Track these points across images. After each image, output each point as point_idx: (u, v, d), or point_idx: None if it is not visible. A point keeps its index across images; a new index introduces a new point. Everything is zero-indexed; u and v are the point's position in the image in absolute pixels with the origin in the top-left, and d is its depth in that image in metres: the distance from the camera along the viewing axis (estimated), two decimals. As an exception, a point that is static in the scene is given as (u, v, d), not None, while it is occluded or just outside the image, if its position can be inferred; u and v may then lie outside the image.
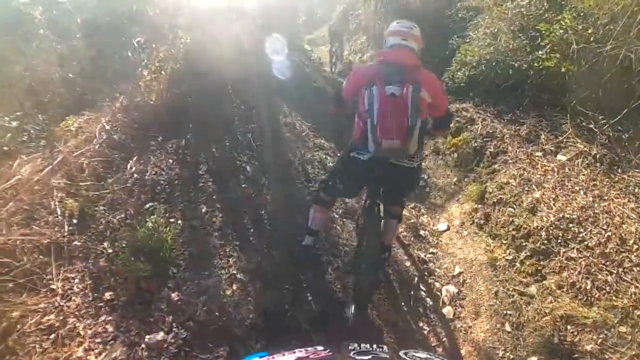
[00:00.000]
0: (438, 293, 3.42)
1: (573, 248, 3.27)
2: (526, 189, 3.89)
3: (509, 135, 4.62)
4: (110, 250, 2.61)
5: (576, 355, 2.70)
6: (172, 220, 2.88)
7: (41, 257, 2.53)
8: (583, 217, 3.43)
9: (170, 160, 3.38)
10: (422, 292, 3.37)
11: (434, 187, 4.91)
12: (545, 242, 3.39)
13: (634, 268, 3.03)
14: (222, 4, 5.20)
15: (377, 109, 2.25)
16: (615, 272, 3.03)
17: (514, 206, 3.84)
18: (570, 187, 3.75)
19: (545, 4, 5.01)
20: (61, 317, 2.25)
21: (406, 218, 3.99)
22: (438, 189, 4.85)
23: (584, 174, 3.85)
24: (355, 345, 0.88)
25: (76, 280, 2.48)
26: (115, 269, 2.51)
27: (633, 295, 2.86)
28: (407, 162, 2.47)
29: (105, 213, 2.89)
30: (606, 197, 3.58)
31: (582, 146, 4.11)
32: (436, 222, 4.38)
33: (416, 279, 3.46)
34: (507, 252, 3.61)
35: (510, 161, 4.33)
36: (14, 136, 3.75)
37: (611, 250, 3.15)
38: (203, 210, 3.05)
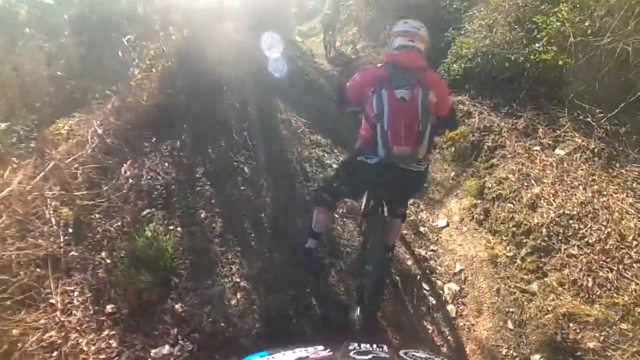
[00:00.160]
0: (440, 291, 3.41)
1: (574, 245, 3.27)
2: (525, 184, 3.89)
3: (507, 129, 4.61)
4: (108, 261, 2.55)
5: (579, 353, 2.70)
6: (171, 227, 2.82)
7: (38, 270, 2.46)
8: (583, 213, 3.43)
9: (166, 164, 3.30)
10: (425, 291, 3.37)
11: (432, 181, 4.89)
12: (546, 238, 3.39)
13: (634, 265, 3.04)
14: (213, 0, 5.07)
15: (387, 114, 2.20)
16: (615, 269, 3.04)
17: (514, 202, 3.83)
18: (569, 182, 3.75)
19: (541, -5, 4.97)
20: (63, 333, 2.19)
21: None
22: (436, 183, 4.83)
23: (582, 169, 3.85)
24: (355, 345, 0.86)
25: (75, 293, 2.42)
26: (115, 280, 2.45)
27: (634, 292, 2.87)
28: (415, 166, 2.43)
29: (101, 221, 2.81)
30: (605, 193, 3.59)
31: (580, 140, 4.10)
32: (435, 218, 4.37)
33: (418, 277, 3.45)
34: (508, 248, 3.61)
35: (509, 155, 4.32)
36: (3, 138, 3.66)
37: (611, 247, 3.17)
38: (202, 215, 3.00)
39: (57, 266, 2.51)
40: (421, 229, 4.06)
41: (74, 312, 2.32)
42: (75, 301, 2.38)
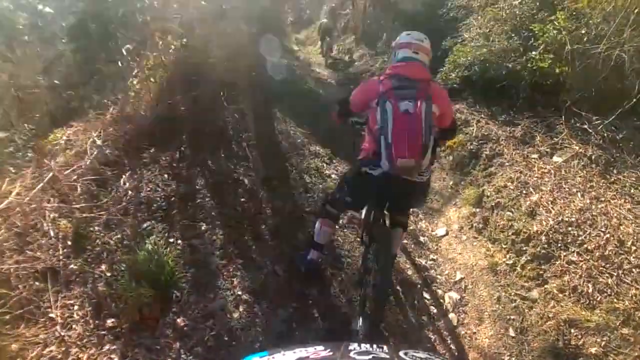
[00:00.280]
0: (441, 300, 3.41)
1: (573, 251, 3.28)
2: (524, 192, 3.90)
3: (505, 137, 4.63)
4: (109, 274, 2.53)
5: (581, 359, 2.71)
6: (171, 240, 2.81)
7: (37, 283, 2.43)
8: (581, 220, 3.45)
9: (166, 175, 3.29)
10: (426, 300, 3.36)
11: (430, 191, 4.89)
12: (546, 246, 3.39)
13: (633, 270, 3.06)
14: (211, 8, 5.08)
15: (391, 126, 2.21)
16: (615, 274, 3.05)
17: (513, 210, 3.84)
18: (567, 189, 3.77)
19: (537, 3, 5.01)
20: (63, 348, 2.16)
21: (405, 225, 3.97)
22: (435, 192, 4.83)
23: (580, 176, 3.87)
24: (355, 345, 0.86)
25: (75, 307, 2.39)
26: (116, 294, 2.43)
27: (634, 297, 2.88)
28: (418, 177, 2.44)
29: (100, 234, 2.79)
30: (603, 199, 3.61)
31: (577, 147, 4.13)
32: (435, 228, 4.37)
33: (419, 286, 3.45)
34: (508, 256, 3.61)
35: (507, 164, 4.33)
36: (1, 148, 3.64)
37: (610, 253, 3.18)
38: (203, 228, 2.99)
39: (56, 279, 2.48)
40: (421, 238, 4.06)
41: (74, 326, 2.29)
42: (75, 315, 2.35)
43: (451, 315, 3.28)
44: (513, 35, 5.19)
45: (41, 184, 2.98)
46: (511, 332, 3.10)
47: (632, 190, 3.68)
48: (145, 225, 2.89)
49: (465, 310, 3.36)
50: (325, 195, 3.07)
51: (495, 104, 5.16)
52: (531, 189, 3.88)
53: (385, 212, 2.76)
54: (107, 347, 2.22)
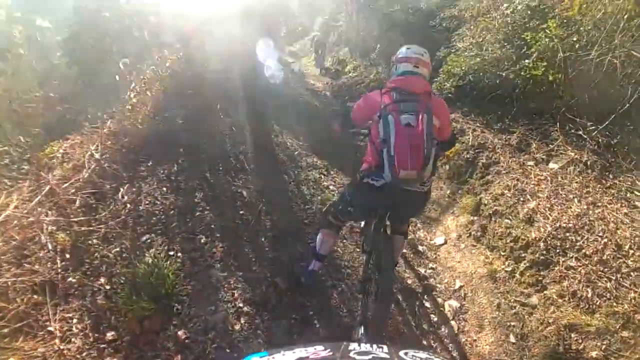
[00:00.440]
0: (441, 308, 3.41)
1: (572, 257, 3.30)
2: (521, 199, 3.93)
3: (500, 145, 4.67)
4: (108, 287, 2.51)
5: (582, 363, 2.71)
6: (171, 253, 2.79)
7: (35, 296, 2.40)
8: (579, 225, 3.47)
9: (164, 189, 3.28)
10: (426, 308, 3.36)
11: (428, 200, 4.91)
12: (544, 252, 3.41)
13: (632, 273, 3.08)
14: (205, 23, 5.12)
15: (393, 139, 2.26)
16: (614, 278, 3.07)
17: (510, 217, 3.86)
18: (564, 195, 3.80)
19: (529, 12, 5.09)
20: (62, 362, 2.14)
21: (404, 234, 3.98)
22: (432, 201, 4.84)
23: (576, 182, 3.90)
24: (355, 345, 0.85)
25: (74, 320, 2.36)
26: (115, 307, 2.40)
27: (633, 300, 2.90)
28: (419, 187, 2.49)
29: (99, 247, 2.76)
30: (600, 204, 3.64)
31: (572, 153, 4.17)
32: (433, 236, 4.38)
33: (419, 295, 3.45)
34: (506, 263, 3.63)
35: (504, 171, 4.36)
36: (-5, 161, 3.61)
37: (608, 257, 3.20)
38: (202, 240, 2.97)
39: (54, 292, 2.45)
40: (419, 247, 4.07)
41: (73, 339, 2.26)
42: (74, 328, 2.31)
43: (451, 323, 3.28)
44: (506, 44, 5.26)
45: (39, 197, 2.96)
46: (512, 339, 3.11)
47: (628, 195, 3.71)
48: (144, 238, 2.87)
49: (465, 318, 3.37)
50: (328, 207, 3.09)
51: (490, 113, 5.20)
52: (528, 196, 3.90)
53: (387, 221, 2.78)
54: (107, 360, 2.19)
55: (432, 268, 3.84)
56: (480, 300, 3.48)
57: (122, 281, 2.50)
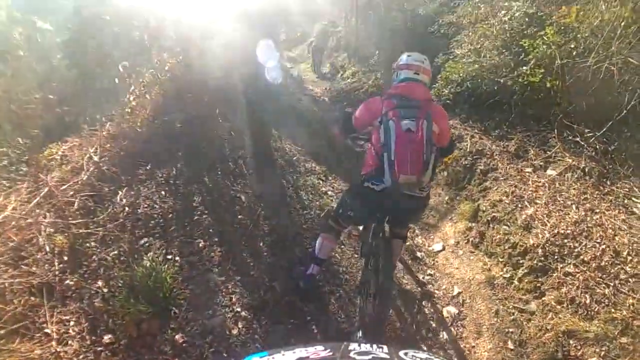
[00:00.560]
0: (440, 315, 3.40)
1: (570, 263, 3.30)
2: (519, 205, 3.93)
3: (498, 152, 4.69)
4: (105, 290, 2.49)
5: (580, 369, 2.71)
6: (169, 256, 2.78)
7: (32, 298, 2.38)
8: (577, 232, 3.48)
9: (163, 192, 3.27)
10: (424, 315, 3.35)
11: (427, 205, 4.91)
12: (542, 258, 3.41)
13: (630, 279, 3.09)
14: (206, 28, 5.13)
15: (394, 144, 2.30)
16: (612, 284, 3.07)
17: (508, 224, 3.87)
18: (562, 202, 3.81)
19: (526, 19, 5.13)
20: (59, 364, 2.12)
21: (403, 240, 3.97)
22: (430, 208, 4.83)
23: (574, 188, 3.92)
24: (355, 345, 0.85)
25: (71, 323, 2.35)
26: (113, 310, 2.39)
27: (631, 306, 2.91)
28: (418, 192, 2.52)
29: (97, 250, 2.75)
30: (597, 210, 3.65)
31: (570, 160, 4.19)
32: (431, 243, 4.38)
33: (417, 301, 3.44)
34: (505, 270, 3.63)
35: (502, 178, 4.38)
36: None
37: (606, 264, 3.20)
38: (200, 244, 2.96)
39: (52, 295, 2.44)
40: (418, 253, 4.06)
41: (70, 342, 2.25)
42: (71, 331, 2.30)
43: (450, 330, 3.27)
44: (504, 50, 5.30)
45: (37, 199, 2.95)
46: (510, 345, 3.10)
47: (625, 201, 3.73)
48: (142, 241, 2.87)
49: (463, 324, 3.35)
50: (328, 211, 3.11)
51: (488, 119, 5.23)
52: (526, 203, 3.91)
53: (386, 225, 2.79)
54: (104, 363, 2.18)
55: (430, 274, 3.83)
56: (479, 307, 3.47)
57: (119, 284, 2.49)
